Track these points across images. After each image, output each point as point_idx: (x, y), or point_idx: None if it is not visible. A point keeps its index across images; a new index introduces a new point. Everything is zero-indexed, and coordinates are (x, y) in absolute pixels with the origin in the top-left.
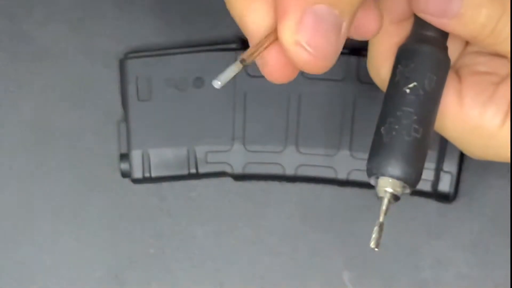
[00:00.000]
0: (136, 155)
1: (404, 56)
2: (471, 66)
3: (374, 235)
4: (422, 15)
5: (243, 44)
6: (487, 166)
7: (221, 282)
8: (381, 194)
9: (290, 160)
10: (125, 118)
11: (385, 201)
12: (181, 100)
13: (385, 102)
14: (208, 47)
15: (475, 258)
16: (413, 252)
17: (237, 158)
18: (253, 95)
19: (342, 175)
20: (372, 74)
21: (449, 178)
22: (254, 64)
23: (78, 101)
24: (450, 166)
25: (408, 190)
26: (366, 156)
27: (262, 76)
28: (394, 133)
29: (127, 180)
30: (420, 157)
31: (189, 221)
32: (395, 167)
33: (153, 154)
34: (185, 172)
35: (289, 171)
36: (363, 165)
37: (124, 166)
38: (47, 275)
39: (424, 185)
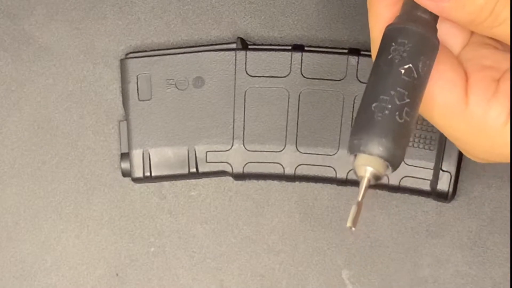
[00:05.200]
0: (136, 154)
1: (398, 35)
2: (476, 59)
3: (351, 215)
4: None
5: (243, 44)
6: (486, 166)
7: (221, 280)
8: (361, 173)
9: (289, 160)
10: (126, 118)
11: (365, 180)
12: (181, 99)
13: (376, 78)
14: (208, 47)
15: (473, 257)
16: (412, 250)
17: (237, 158)
18: (253, 95)
19: (341, 174)
20: (374, 57)
21: (448, 177)
22: (254, 63)
23: (79, 101)
24: (449, 165)
25: (389, 172)
26: None
27: (262, 76)
28: (386, 112)
29: (127, 179)
30: (407, 141)
31: (189, 219)
32: (385, 147)
33: (154, 153)
34: (185, 171)
35: (289, 171)
36: None
37: (125, 165)
38: (48, 273)
39: (423, 184)
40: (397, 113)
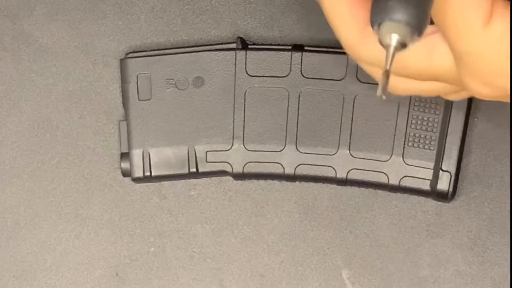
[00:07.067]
0: (136, 154)
1: None
2: None
3: (380, 84)
4: None
5: (243, 44)
6: (486, 166)
7: (221, 280)
8: (386, 41)
9: (289, 159)
10: (126, 118)
11: (392, 48)
12: (181, 99)
13: None
14: (208, 47)
15: (473, 257)
16: (412, 250)
17: (237, 157)
18: (253, 95)
19: (341, 174)
20: None
21: (448, 177)
22: (254, 63)
23: (79, 101)
24: (449, 165)
25: (415, 39)
26: (365, 155)
27: (262, 76)
28: None
29: (127, 179)
30: (429, 6)
31: (189, 219)
32: (400, 10)
33: (154, 153)
34: (185, 171)
35: (289, 170)
36: (362, 164)
37: (125, 165)
38: (48, 273)
39: (423, 184)
40: None
